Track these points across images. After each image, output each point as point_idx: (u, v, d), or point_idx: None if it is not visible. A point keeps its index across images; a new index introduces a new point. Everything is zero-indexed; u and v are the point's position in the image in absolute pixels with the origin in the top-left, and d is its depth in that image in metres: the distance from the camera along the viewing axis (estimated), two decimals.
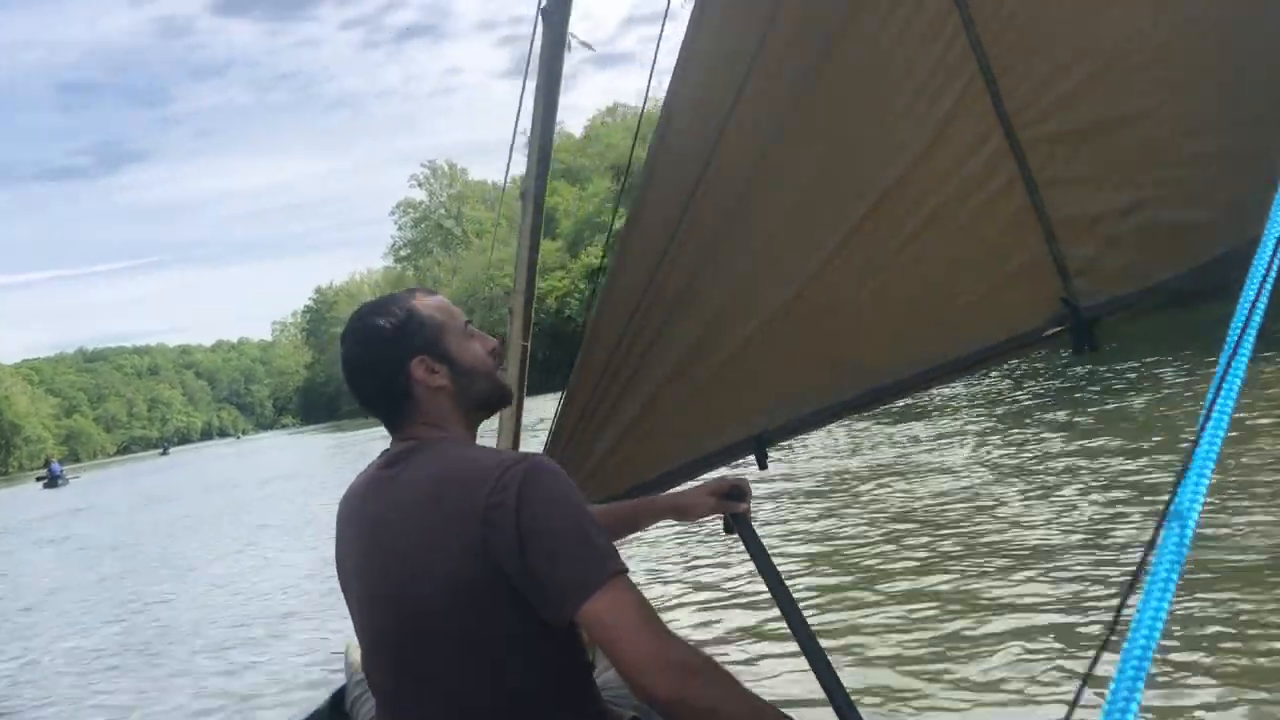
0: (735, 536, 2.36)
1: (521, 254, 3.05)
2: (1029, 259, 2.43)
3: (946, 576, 5.67)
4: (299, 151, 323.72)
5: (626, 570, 1.56)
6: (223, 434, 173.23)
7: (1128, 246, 2.34)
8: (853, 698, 1.90)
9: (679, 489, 2.59)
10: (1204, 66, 2.18)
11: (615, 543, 1.73)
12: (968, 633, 4.74)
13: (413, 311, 1.78)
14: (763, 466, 2.85)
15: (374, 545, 1.70)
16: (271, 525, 15.53)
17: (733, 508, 2.33)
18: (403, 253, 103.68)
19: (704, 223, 2.59)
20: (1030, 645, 4.32)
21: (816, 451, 11.30)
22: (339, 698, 2.56)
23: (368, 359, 1.75)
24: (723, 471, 2.67)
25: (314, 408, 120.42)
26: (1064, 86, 2.28)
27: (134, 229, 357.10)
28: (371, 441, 34.85)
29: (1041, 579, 5.25)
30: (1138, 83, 2.23)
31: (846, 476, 9.61)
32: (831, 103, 2.46)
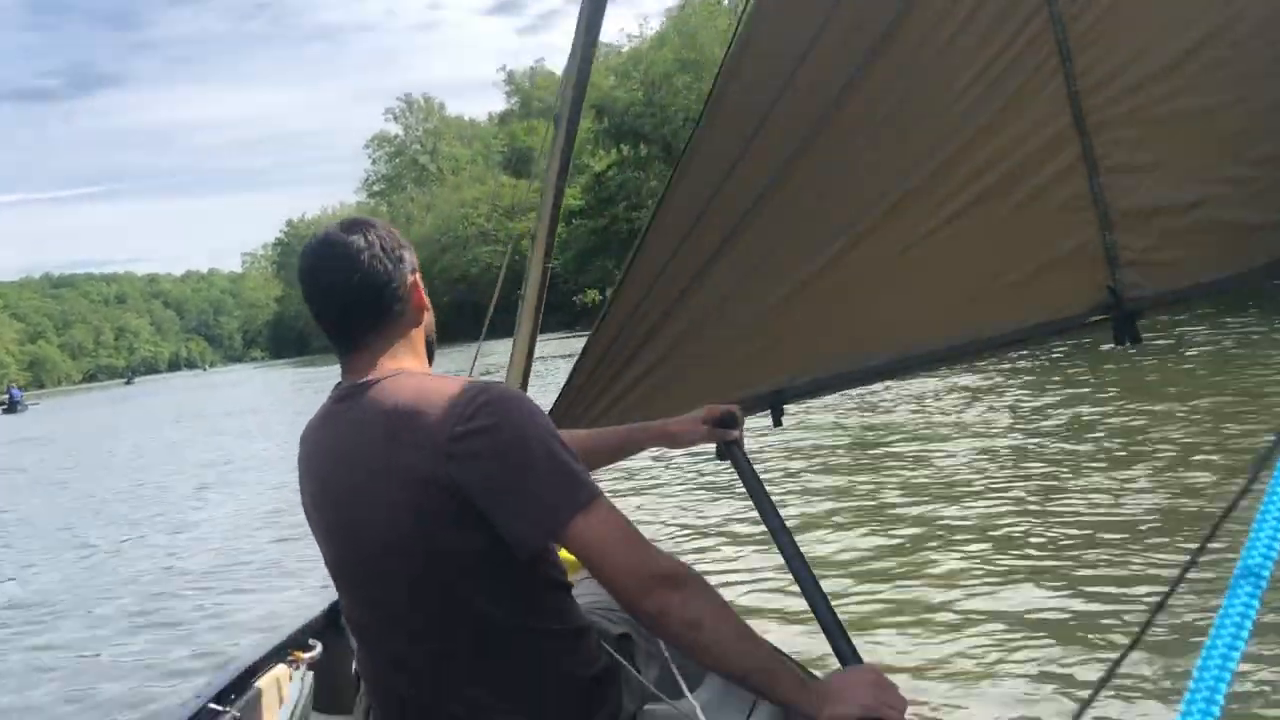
0: (728, 463, 2.34)
1: (549, 177, 3.01)
2: (1079, 244, 2.40)
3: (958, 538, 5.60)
4: (275, 83, 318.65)
5: (602, 492, 1.56)
6: (190, 365, 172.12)
7: (1183, 242, 2.32)
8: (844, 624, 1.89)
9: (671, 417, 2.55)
10: None
11: (604, 468, 1.81)
12: (950, 568, 4.88)
13: (398, 233, 1.78)
14: (777, 423, 2.83)
15: (332, 481, 1.69)
16: (233, 462, 15.15)
17: (725, 435, 2.31)
18: (376, 188, 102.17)
19: (753, 178, 2.59)
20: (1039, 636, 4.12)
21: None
22: (337, 607, 2.49)
23: (359, 267, 1.67)
24: None
25: (283, 342, 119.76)
26: (1139, 72, 2.26)
27: (104, 154, 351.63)
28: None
29: (1078, 562, 4.93)
30: (1215, 77, 2.20)
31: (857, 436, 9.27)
32: (899, 68, 2.44)
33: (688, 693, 1.96)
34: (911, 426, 9.32)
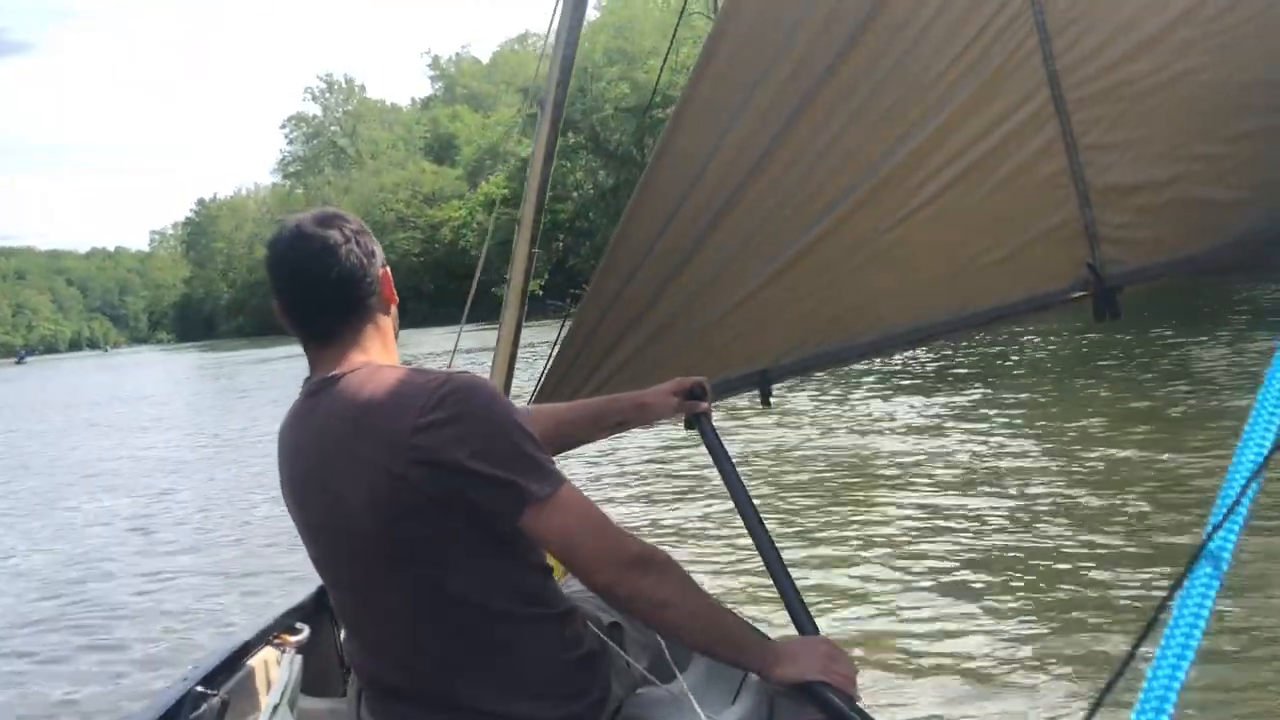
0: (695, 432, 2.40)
1: (535, 162, 3.07)
2: (1059, 221, 2.45)
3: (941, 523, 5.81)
4: (186, 54, 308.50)
5: (567, 479, 1.59)
6: (93, 345, 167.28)
7: (1160, 218, 2.38)
8: (805, 598, 1.94)
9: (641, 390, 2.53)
10: (1258, 47, 2.23)
11: (580, 445, 2.37)
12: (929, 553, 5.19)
13: (365, 226, 1.80)
14: (765, 403, 2.87)
15: (306, 477, 1.72)
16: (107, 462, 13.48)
17: (694, 407, 2.37)
18: (291, 168, 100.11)
19: (733, 162, 2.64)
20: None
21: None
22: (322, 592, 2.53)
23: (337, 261, 1.71)
24: None
25: (190, 324, 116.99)
26: (1116, 51, 2.30)
27: (4, 124, 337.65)
28: (249, 365, 33.42)
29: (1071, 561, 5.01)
30: (1191, 55, 2.25)
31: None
32: (879, 50, 2.47)
33: (678, 674, 1.97)
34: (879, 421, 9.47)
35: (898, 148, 2.51)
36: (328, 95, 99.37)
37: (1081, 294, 2.47)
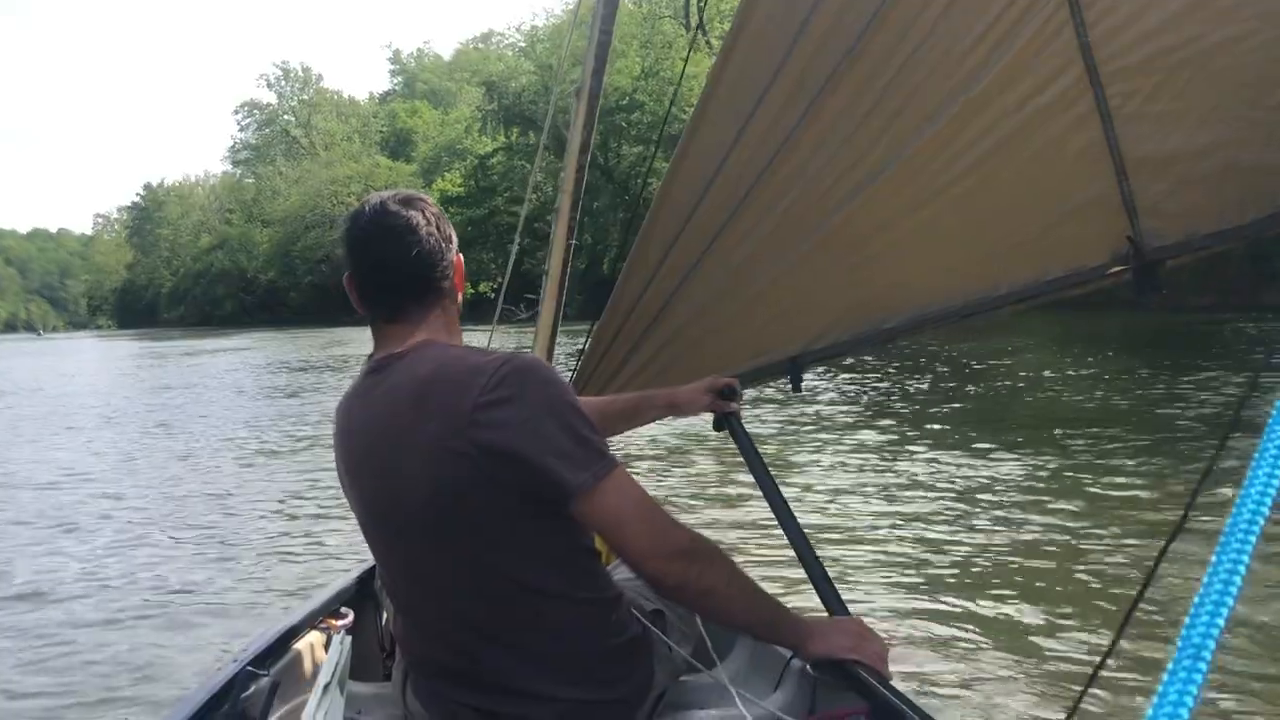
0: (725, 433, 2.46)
1: (571, 153, 3.12)
2: (1097, 195, 2.39)
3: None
4: (140, 34, 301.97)
5: (621, 463, 1.61)
6: (29, 328, 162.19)
7: (1201, 188, 2.30)
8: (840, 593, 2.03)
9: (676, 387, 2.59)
10: None
11: (616, 436, 2.32)
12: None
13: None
14: (796, 389, 2.85)
15: (365, 454, 1.74)
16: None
17: (725, 406, 2.44)
18: (241, 155, 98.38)
19: (758, 148, 2.61)
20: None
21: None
22: (367, 577, 2.65)
23: (418, 242, 1.75)
24: None
25: (131, 312, 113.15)
26: (1151, 20, 2.23)
27: None
28: (193, 355, 31.88)
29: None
30: (1233, 21, 2.17)
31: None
32: (906, 26, 2.43)
33: (718, 661, 2.03)
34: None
35: (925, 126, 2.46)
36: (283, 83, 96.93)
37: (1121, 268, 2.41)
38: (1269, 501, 0.57)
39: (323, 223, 70.21)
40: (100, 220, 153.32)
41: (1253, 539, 0.55)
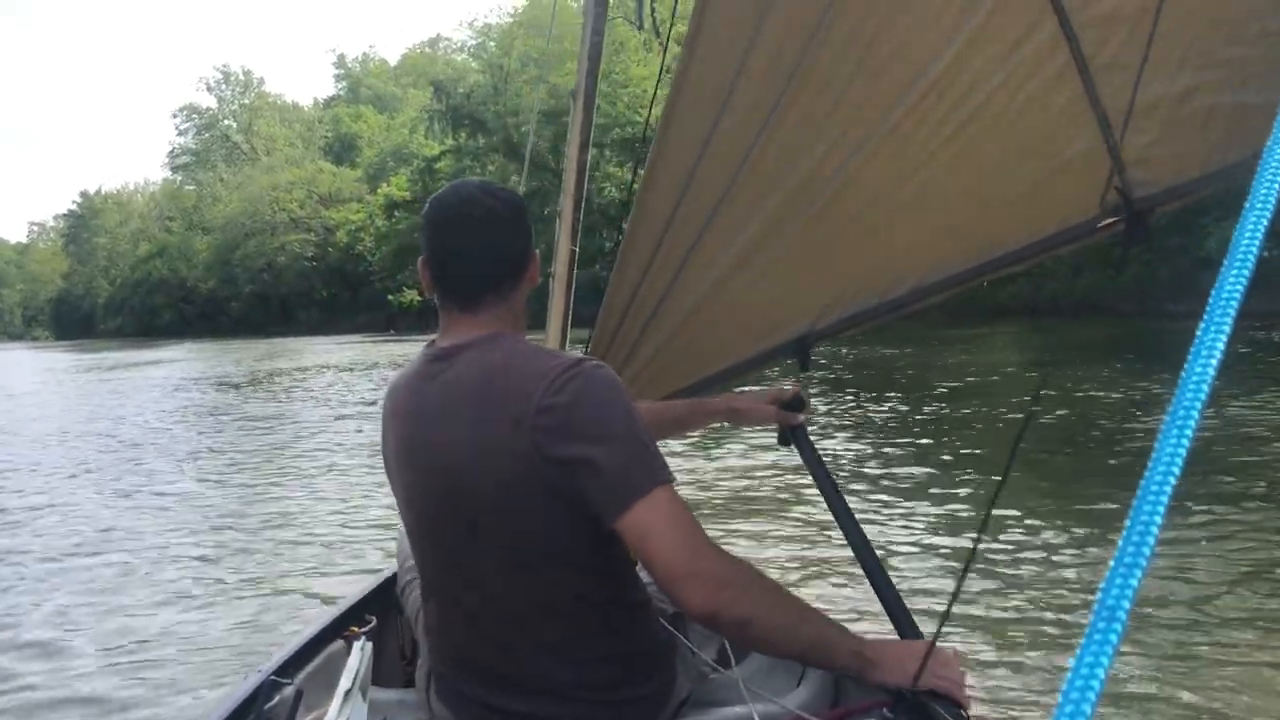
0: (791, 448, 2.34)
1: (571, 154, 3.11)
2: (1082, 149, 2.39)
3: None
4: (77, 36, 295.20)
5: (672, 480, 1.57)
6: None
7: (1185, 132, 2.27)
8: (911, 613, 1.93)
9: (736, 392, 2.58)
10: None
11: (666, 439, 2.15)
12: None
13: None
14: (805, 368, 2.81)
15: (418, 440, 1.72)
16: None
17: (791, 419, 2.32)
18: (180, 160, 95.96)
19: (738, 130, 2.56)
20: None
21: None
22: (388, 585, 2.63)
23: (502, 232, 1.75)
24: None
25: (67, 323, 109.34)
26: None
27: None
28: (135, 367, 30.46)
29: None
30: None
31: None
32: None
33: (734, 664, 2.02)
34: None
35: (905, 94, 2.41)
36: (224, 86, 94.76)
37: (1113, 220, 2.42)
38: (1179, 467, 0.58)
39: (264, 229, 68.64)
40: (35, 228, 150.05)
41: (1164, 499, 0.57)
